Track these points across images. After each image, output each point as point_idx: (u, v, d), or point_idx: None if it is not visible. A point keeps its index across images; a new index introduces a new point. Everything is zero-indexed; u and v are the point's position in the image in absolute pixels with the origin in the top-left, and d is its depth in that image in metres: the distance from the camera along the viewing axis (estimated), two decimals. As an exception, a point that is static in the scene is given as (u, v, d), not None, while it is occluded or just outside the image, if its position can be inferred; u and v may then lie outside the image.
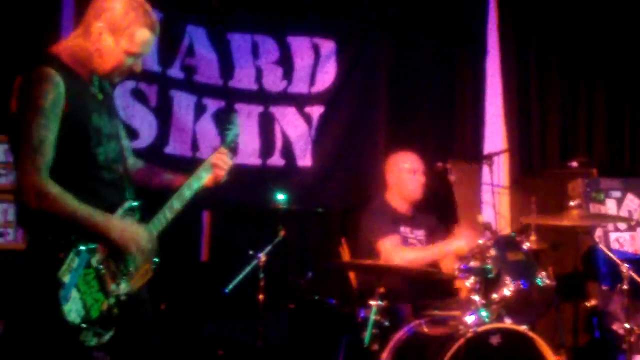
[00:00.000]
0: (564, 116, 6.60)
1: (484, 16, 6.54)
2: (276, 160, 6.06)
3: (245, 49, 6.01)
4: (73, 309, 2.81)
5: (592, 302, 5.49)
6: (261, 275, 4.89)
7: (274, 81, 6.07)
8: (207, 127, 5.85)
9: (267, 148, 6.03)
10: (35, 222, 2.89)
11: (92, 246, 2.90)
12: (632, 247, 5.70)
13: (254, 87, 6.02)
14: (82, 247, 2.87)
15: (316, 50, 6.15)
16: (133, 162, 3.38)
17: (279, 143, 6.07)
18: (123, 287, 3.00)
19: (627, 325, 4.74)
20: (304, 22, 6.16)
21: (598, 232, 5.66)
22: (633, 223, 5.70)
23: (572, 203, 4.89)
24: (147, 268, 3.14)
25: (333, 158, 6.18)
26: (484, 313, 4.35)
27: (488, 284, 4.45)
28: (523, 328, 4.30)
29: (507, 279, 4.47)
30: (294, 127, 6.10)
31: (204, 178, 3.34)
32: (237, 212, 5.76)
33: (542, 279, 4.55)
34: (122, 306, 2.99)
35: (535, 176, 6.34)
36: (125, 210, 3.05)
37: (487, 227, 4.59)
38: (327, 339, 4.96)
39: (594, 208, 5.69)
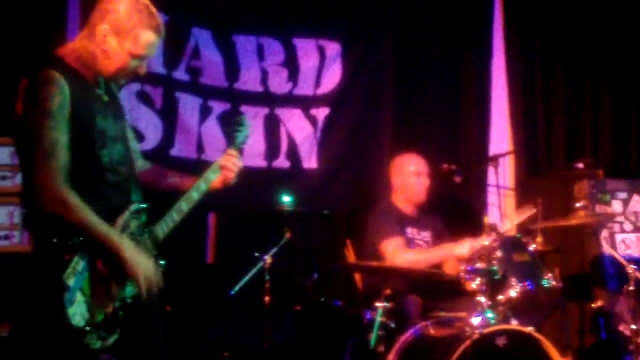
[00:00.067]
0: (570, 117, 6.58)
1: (490, 17, 6.52)
2: (282, 162, 6.07)
3: (250, 51, 6.02)
4: (77, 312, 2.81)
5: (598, 304, 5.48)
6: (267, 277, 4.89)
7: (279, 83, 6.08)
8: (212, 129, 5.86)
9: (272, 150, 6.03)
10: (42, 225, 2.88)
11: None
12: (638, 249, 5.68)
13: (259, 89, 6.03)
14: (87, 250, 2.86)
15: (322, 52, 6.16)
16: (142, 164, 3.38)
17: (284, 145, 6.08)
18: (129, 290, 2.99)
19: (633, 327, 4.74)
20: (310, 24, 6.16)
21: (604, 234, 5.65)
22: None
23: (578, 204, 4.89)
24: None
25: (338, 160, 6.18)
26: (490, 314, 4.34)
27: (494, 286, 4.45)
28: (529, 329, 4.30)
29: (513, 281, 4.47)
30: (300, 129, 6.11)
31: (212, 180, 3.33)
32: (243, 214, 5.76)
33: (549, 280, 4.55)
34: (128, 309, 2.98)
35: (540, 178, 6.32)
36: (130, 213, 3.04)
37: (492, 228, 4.58)
38: (333, 340, 4.96)
39: (600, 209, 5.67)
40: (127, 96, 5.50)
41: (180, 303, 5.20)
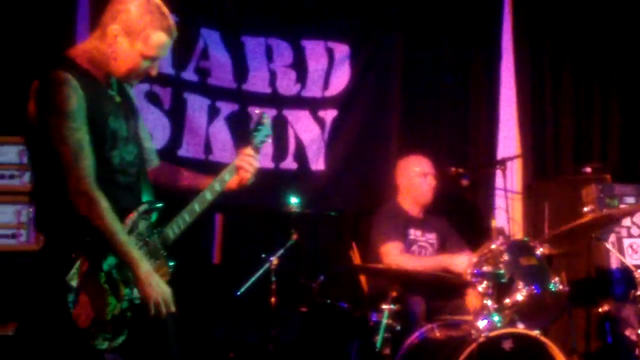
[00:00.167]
0: (578, 121, 6.57)
1: (499, 20, 6.52)
2: (289, 163, 6.07)
3: (259, 52, 6.02)
4: (82, 313, 2.81)
5: (604, 308, 5.46)
6: (273, 279, 4.89)
7: (287, 85, 6.08)
8: (220, 130, 5.87)
9: (280, 151, 6.03)
10: (53, 225, 2.89)
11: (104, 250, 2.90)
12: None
13: (267, 90, 6.04)
14: (96, 251, 2.86)
15: (330, 54, 6.16)
16: (157, 164, 3.38)
17: (292, 146, 6.08)
18: (137, 291, 2.96)
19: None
20: (318, 25, 6.16)
21: (611, 239, 5.63)
22: None
23: (585, 209, 4.88)
24: (164, 272, 3.11)
25: (346, 162, 6.18)
26: (496, 318, 4.35)
27: (501, 289, 4.45)
28: (535, 333, 4.29)
29: (520, 284, 4.47)
30: (307, 131, 6.11)
31: (227, 181, 3.30)
32: (250, 215, 5.75)
33: (555, 284, 4.54)
34: (136, 310, 2.97)
35: (548, 181, 6.31)
36: (139, 214, 3.04)
37: (500, 232, 4.58)
38: (338, 342, 4.96)
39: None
40: (135, 96, 5.45)
41: (186, 303, 5.19)
